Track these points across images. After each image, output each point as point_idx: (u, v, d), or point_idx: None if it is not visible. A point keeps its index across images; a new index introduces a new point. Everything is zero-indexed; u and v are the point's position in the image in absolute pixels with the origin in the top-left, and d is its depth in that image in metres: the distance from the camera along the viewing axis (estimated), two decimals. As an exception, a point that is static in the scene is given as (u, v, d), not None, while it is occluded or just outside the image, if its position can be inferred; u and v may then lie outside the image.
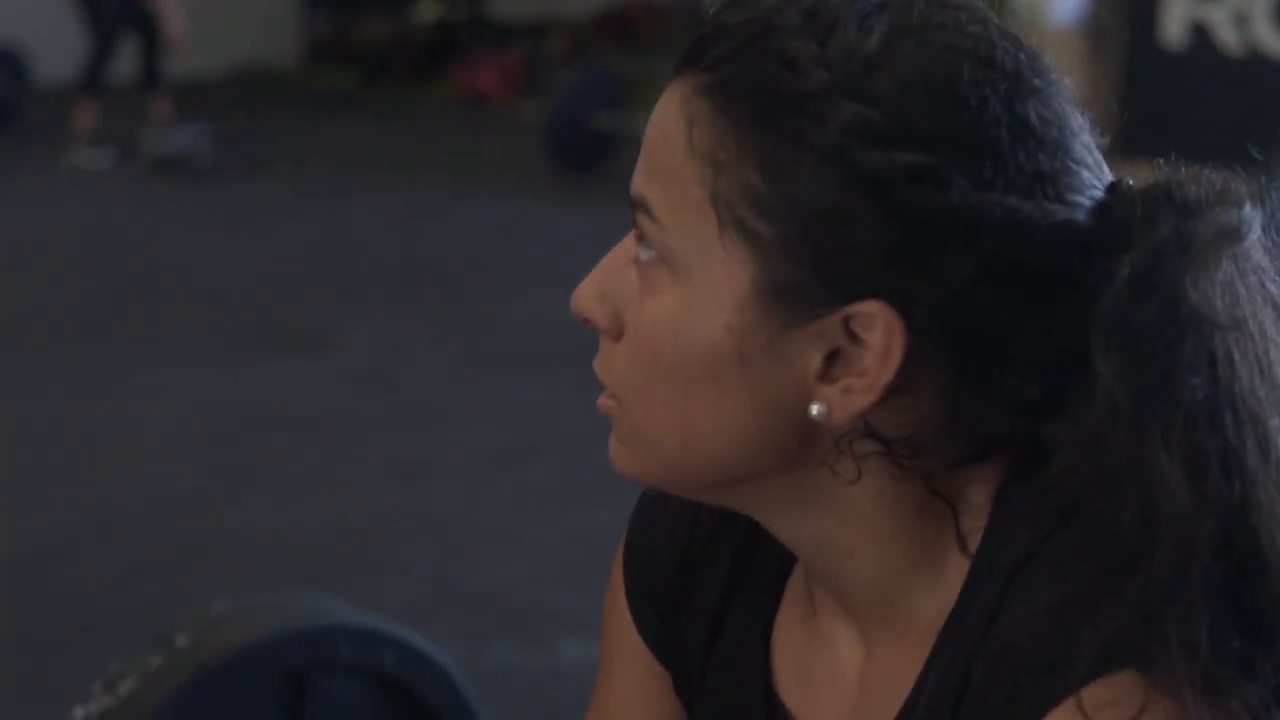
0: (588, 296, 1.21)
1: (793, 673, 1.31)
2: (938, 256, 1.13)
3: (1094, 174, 1.17)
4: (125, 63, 10.86)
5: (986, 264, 1.13)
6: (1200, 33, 9.60)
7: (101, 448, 5.44)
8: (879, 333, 1.13)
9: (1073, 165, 1.16)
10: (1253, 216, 1.18)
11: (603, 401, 1.23)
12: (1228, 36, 9.47)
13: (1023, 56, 1.16)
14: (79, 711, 2.41)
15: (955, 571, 1.21)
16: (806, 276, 1.14)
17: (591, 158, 10.26)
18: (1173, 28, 9.72)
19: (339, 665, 2.54)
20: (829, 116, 1.12)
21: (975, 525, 1.20)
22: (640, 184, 1.19)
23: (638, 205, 1.18)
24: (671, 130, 1.17)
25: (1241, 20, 9.49)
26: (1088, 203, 1.16)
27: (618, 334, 1.21)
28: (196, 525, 4.82)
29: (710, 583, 1.35)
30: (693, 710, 1.38)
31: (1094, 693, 1.12)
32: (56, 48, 11.90)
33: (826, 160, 1.13)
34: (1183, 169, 1.20)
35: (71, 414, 5.74)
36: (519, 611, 4.33)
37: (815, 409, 1.15)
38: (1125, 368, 1.13)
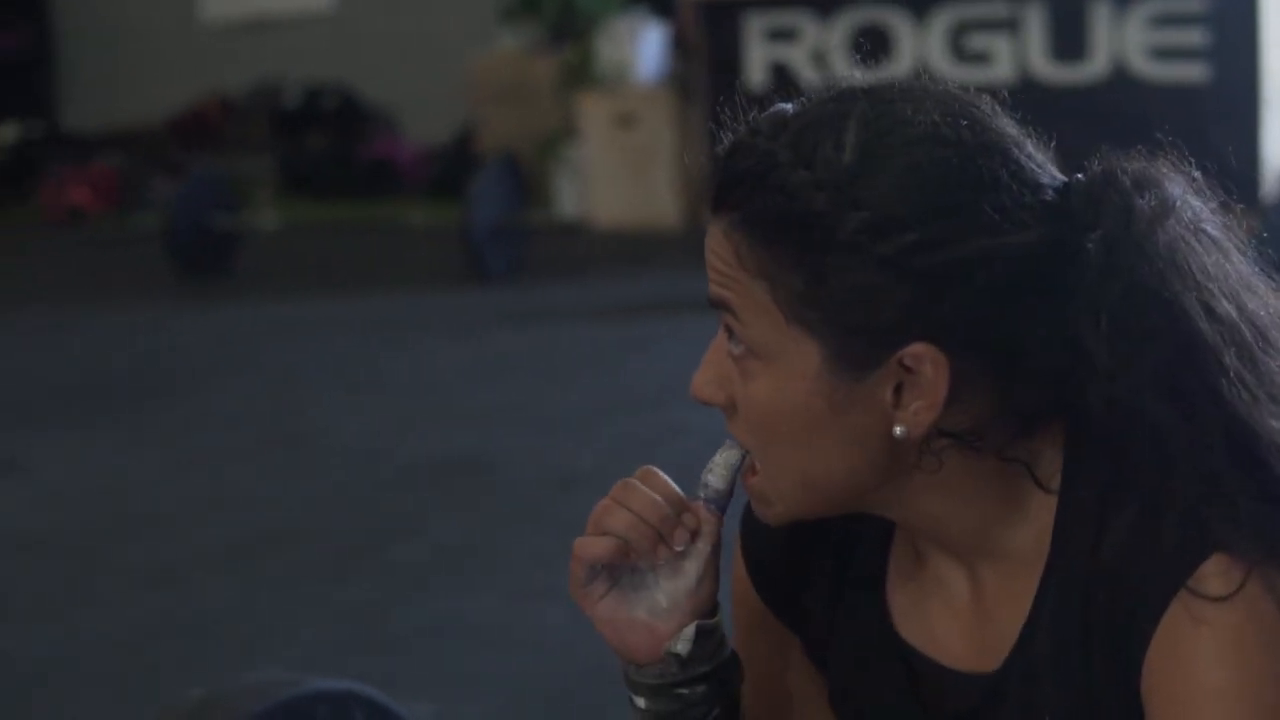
0: (706, 385, 1.53)
1: (911, 615, 1.62)
2: (952, 294, 1.44)
3: (1048, 178, 1.49)
4: None
5: (991, 287, 1.44)
6: (781, 73, 10.09)
7: None
8: (927, 364, 1.45)
9: (1028, 189, 1.46)
10: (1174, 186, 1.50)
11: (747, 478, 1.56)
12: (808, 74, 9.98)
13: (965, 124, 1.46)
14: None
15: (1040, 507, 1.52)
16: (858, 341, 1.45)
17: (214, 259, 10.31)
18: (754, 72, 10.20)
19: (318, 729, 2.64)
20: (836, 226, 1.44)
21: (1052, 469, 1.51)
22: (718, 291, 1.50)
23: (721, 307, 1.50)
24: (727, 255, 1.48)
25: (819, 57, 10.02)
26: (1048, 209, 1.46)
27: (733, 411, 1.52)
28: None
29: (822, 563, 1.66)
30: (828, 663, 1.68)
31: (1197, 579, 1.43)
32: None
33: (845, 257, 1.44)
34: (1106, 165, 1.50)
35: None
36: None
37: (898, 430, 1.47)
38: (1110, 335, 1.45)
